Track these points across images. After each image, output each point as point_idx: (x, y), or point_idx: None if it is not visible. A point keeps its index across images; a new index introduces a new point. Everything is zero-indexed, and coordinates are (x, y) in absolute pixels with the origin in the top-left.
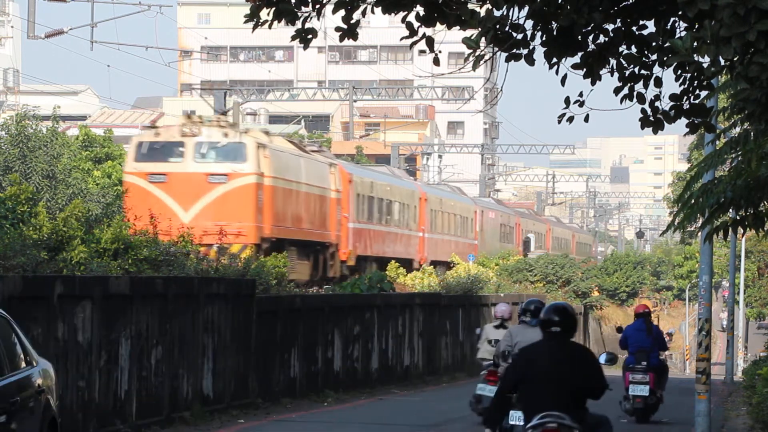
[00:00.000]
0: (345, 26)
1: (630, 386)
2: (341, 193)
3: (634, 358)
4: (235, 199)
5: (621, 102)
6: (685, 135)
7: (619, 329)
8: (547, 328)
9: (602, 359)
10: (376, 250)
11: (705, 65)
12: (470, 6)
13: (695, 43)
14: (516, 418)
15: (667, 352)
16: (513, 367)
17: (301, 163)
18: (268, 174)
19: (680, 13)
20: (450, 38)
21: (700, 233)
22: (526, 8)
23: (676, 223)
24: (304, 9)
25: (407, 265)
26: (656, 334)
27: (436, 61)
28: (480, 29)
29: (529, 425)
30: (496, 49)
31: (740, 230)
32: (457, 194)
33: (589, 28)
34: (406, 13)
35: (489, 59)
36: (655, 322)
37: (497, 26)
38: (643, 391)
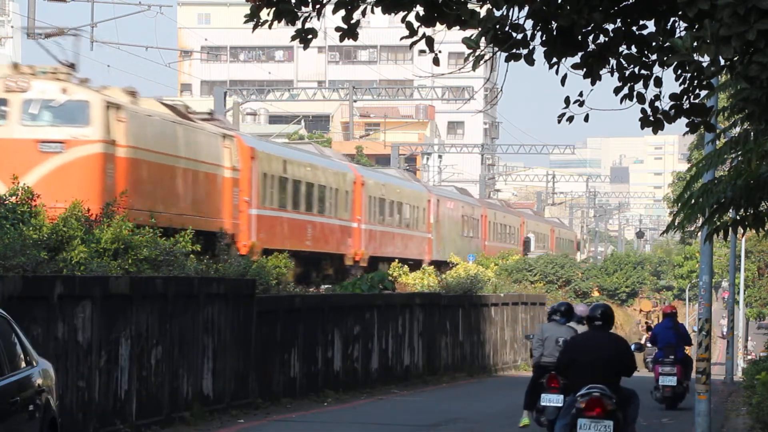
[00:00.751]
0: (345, 26)
1: (660, 377)
2: (240, 172)
3: (663, 353)
4: (75, 173)
5: (621, 102)
6: (684, 135)
7: (648, 328)
8: (592, 322)
9: (633, 347)
10: (293, 242)
11: (705, 65)
12: (470, 6)
13: (695, 43)
14: (546, 399)
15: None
16: (565, 352)
17: (178, 132)
18: (123, 143)
19: (680, 12)
20: (450, 38)
21: (700, 233)
22: (526, 8)
23: (676, 224)
24: (304, 9)
25: (338, 261)
26: (682, 331)
27: (436, 61)
28: (480, 29)
29: (578, 394)
30: (496, 49)
31: (740, 230)
32: (405, 180)
33: (589, 28)
34: (406, 13)
35: (489, 59)
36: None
37: (497, 26)
38: (672, 381)
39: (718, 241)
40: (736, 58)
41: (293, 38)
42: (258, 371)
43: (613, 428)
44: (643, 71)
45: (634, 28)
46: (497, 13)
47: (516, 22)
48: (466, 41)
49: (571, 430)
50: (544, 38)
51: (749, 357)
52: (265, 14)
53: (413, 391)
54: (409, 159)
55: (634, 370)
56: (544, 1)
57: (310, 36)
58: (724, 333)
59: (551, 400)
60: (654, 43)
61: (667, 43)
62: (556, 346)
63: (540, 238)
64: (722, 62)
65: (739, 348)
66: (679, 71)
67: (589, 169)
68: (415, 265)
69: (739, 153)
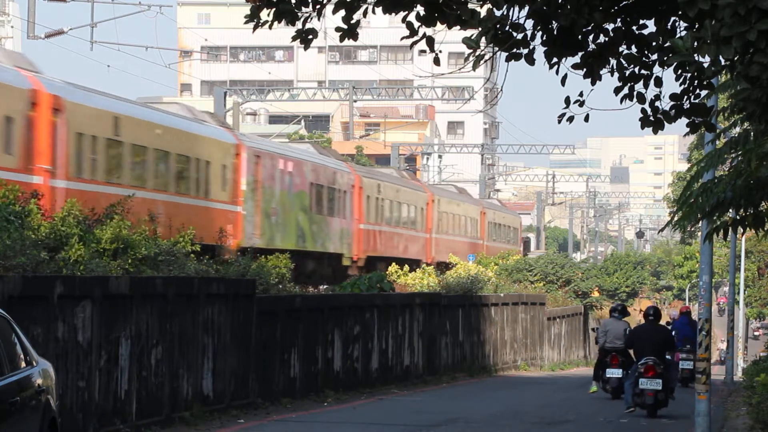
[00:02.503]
0: (345, 26)
1: (680, 362)
2: None
3: (681, 343)
4: None
5: (621, 102)
6: (685, 135)
7: (667, 323)
8: (647, 317)
9: (672, 333)
10: None
11: (705, 65)
12: (470, 6)
13: (695, 43)
14: (610, 373)
15: None
16: (630, 337)
17: None
18: None
19: (680, 12)
20: (450, 38)
21: (700, 233)
22: (526, 8)
23: (674, 222)
24: (304, 9)
25: None
26: (695, 327)
27: (437, 61)
28: (480, 29)
29: (639, 363)
30: (496, 49)
31: (740, 230)
32: (186, 119)
33: (589, 28)
34: (406, 12)
35: (489, 59)
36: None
37: (497, 26)
38: (689, 365)
39: (718, 241)
40: (736, 59)
41: (293, 38)
42: (258, 371)
43: (662, 384)
44: (643, 71)
45: (634, 28)
46: (497, 13)
47: (516, 21)
48: (466, 41)
49: (635, 386)
50: (544, 38)
51: (756, 334)
52: (266, 15)
53: (413, 391)
54: (409, 159)
55: (674, 347)
56: (544, 1)
57: (310, 36)
58: (723, 357)
59: (613, 373)
60: (654, 43)
61: (667, 43)
62: (621, 334)
63: (458, 222)
64: (723, 62)
65: (739, 348)
66: (680, 71)
67: (589, 169)
68: (207, 249)
69: (739, 153)
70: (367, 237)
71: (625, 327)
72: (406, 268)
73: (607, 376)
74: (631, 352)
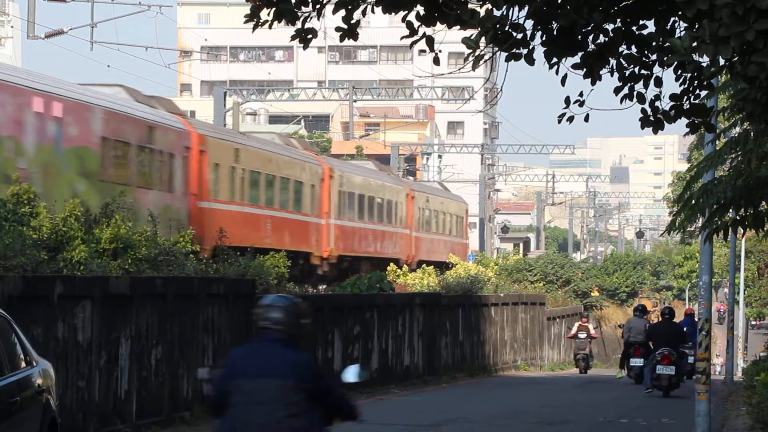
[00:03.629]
0: (345, 26)
1: None
2: None
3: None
4: None
5: (621, 102)
6: (685, 135)
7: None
8: (663, 316)
9: (684, 329)
10: None
11: (704, 65)
12: (470, 6)
13: (694, 43)
14: (633, 362)
15: None
16: (650, 332)
17: None
18: None
19: (679, 12)
20: (450, 38)
21: (700, 233)
22: (526, 8)
23: (676, 224)
24: (304, 9)
25: None
26: (697, 326)
27: (436, 61)
28: (480, 29)
29: (656, 353)
30: (496, 49)
31: (740, 230)
32: None
33: (589, 28)
34: (406, 12)
35: (489, 59)
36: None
37: (497, 26)
38: (690, 360)
39: (718, 241)
40: (735, 59)
41: (293, 38)
42: None
43: (675, 371)
44: (643, 71)
45: (634, 28)
46: (497, 13)
47: (516, 21)
48: (466, 41)
49: (653, 371)
50: (544, 38)
51: (754, 323)
52: (265, 14)
53: (413, 391)
54: (409, 159)
55: (685, 341)
56: (544, 1)
57: (310, 36)
58: (718, 371)
59: (636, 362)
60: (654, 43)
61: (667, 43)
62: (642, 329)
63: (373, 206)
64: (721, 62)
65: (739, 348)
66: (679, 71)
67: (589, 169)
68: None
69: (739, 153)
70: (212, 219)
71: (645, 323)
72: (406, 268)
73: (631, 364)
74: (650, 344)
